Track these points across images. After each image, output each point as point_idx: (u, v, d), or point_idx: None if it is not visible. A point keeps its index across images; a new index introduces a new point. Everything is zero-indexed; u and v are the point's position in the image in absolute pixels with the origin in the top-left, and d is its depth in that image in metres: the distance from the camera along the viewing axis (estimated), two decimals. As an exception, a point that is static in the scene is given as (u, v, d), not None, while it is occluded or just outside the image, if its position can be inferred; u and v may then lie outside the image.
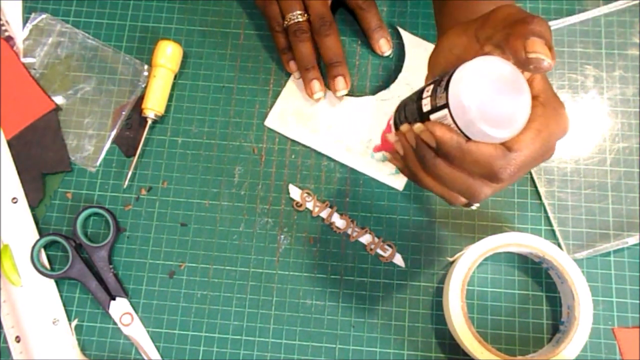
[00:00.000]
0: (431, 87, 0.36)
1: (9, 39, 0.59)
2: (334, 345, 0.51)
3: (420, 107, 0.37)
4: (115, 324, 0.52)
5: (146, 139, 0.56)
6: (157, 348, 0.51)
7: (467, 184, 0.36)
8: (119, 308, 0.52)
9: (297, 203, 0.54)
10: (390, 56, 0.58)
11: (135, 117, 0.57)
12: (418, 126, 0.36)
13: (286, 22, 0.55)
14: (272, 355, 0.51)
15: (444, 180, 0.37)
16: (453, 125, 0.34)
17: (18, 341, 0.51)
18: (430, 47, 0.58)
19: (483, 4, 0.42)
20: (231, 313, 0.52)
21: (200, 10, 0.60)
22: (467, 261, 0.49)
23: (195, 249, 0.54)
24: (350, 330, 0.51)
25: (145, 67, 0.58)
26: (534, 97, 0.35)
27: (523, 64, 0.32)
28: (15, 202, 0.54)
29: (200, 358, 0.51)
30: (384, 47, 0.57)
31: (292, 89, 0.57)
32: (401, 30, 0.58)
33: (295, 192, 0.55)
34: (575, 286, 0.48)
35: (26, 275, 0.52)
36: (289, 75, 0.57)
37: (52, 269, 0.53)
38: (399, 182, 0.54)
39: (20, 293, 0.52)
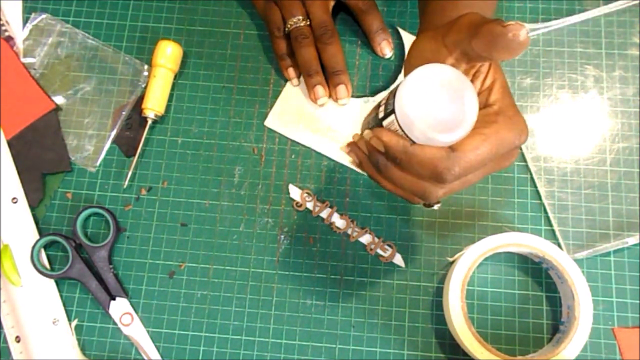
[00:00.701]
0: (389, 95, 0.38)
1: (9, 39, 0.59)
2: (334, 345, 0.51)
3: (377, 115, 0.39)
4: (115, 324, 0.52)
5: (146, 139, 0.56)
6: (157, 348, 0.51)
7: (417, 186, 0.38)
8: (119, 308, 0.52)
9: (297, 203, 0.54)
10: (391, 57, 0.58)
11: (135, 117, 0.57)
12: (367, 133, 0.39)
13: (288, 27, 0.55)
14: (272, 355, 0.51)
15: (397, 183, 0.39)
16: (400, 131, 0.36)
17: (18, 341, 0.51)
18: None
19: (458, 8, 0.43)
20: (231, 313, 0.52)
21: (200, 10, 0.60)
22: (467, 261, 0.49)
23: (195, 249, 0.54)
24: (350, 330, 0.51)
25: (145, 67, 0.58)
26: (489, 105, 0.37)
27: (493, 46, 0.33)
28: (15, 202, 0.54)
29: (200, 358, 0.51)
30: (386, 49, 0.57)
31: (292, 89, 0.57)
32: (401, 31, 0.58)
33: (295, 192, 0.55)
34: (575, 286, 0.48)
35: (26, 275, 0.52)
36: (287, 80, 0.57)
37: (52, 269, 0.53)
38: None
39: (20, 293, 0.52)
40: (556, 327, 0.51)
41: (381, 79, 0.58)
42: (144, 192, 0.55)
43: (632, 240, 0.52)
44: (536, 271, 0.52)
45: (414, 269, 0.53)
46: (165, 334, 0.52)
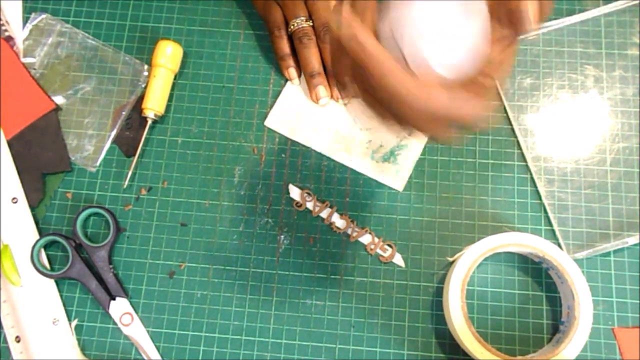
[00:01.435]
0: None
1: (9, 39, 0.59)
2: (334, 345, 0.51)
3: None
4: (115, 324, 0.52)
5: (146, 139, 0.56)
6: (157, 348, 0.51)
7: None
8: (119, 308, 0.52)
9: (297, 203, 0.54)
10: None
11: (135, 117, 0.57)
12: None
13: (291, 28, 0.55)
14: (272, 355, 0.51)
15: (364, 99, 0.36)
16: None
17: (18, 341, 0.51)
18: None
19: None
20: (231, 313, 0.52)
21: (200, 10, 0.60)
22: (467, 261, 0.49)
23: (195, 249, 0.54)
24: (350, 330, 0.51)
25: (145, 67, 0.58)
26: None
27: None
28: (15, 202, 0.54)
29: (200, 358, 0.51)
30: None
31: (292, 89, 0.57)
32: None
33: (295, 192, 0.55)
34: (575, 286, 0.48)
35: (26, 275, 0.52)
36: (287, 80, 0.57)
37: (52, 269, 0.53)
38: (398, 182, 0.54)
39: (20, 293, 0.52)
40: (556, 327, 0.51)
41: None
42: (144, 192, 0.55)
43: (632, 240, 0.52)
44: (536, 271, 0.52)
45: (414, 269, 0.53)
46: (165, 334, 0.52)
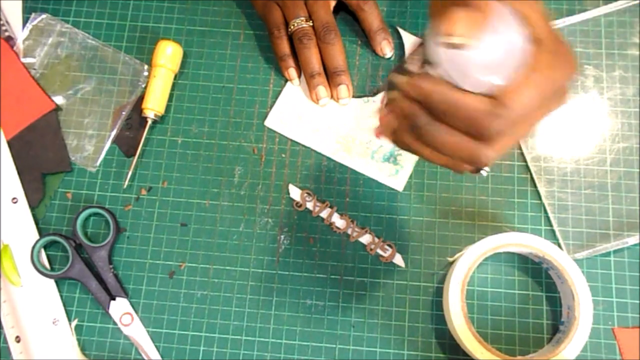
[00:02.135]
0: (416, 49, 0.35)
1: (9, 39, 0.59)
2: (334, 345, 0.51)
3: (406, 70, 0.35)
4: (115, 324, 0.52)
5: (146, 139, 0.56)
6: (157, 348, 0.51)
7: (464, 145, 0.33)
8: (119, 308, 0.52)
9: (297, 203, 0.54)
10: (391, 57, 0.58)
11: (135, 117, 0.57)
12: (402, 79, 0.34)
13: (291, 28, 0.55)
14: (272, 355, 0.51)
15: (441, 147, 0.34)
16: (439, 78, 0.32)
17: (18, 341, 0.51)
18: None
19: None
20: (231, 313, 0.52)
21: (200, 10, 0.60)
22: (467, 261, 0.49)
23: (195, 249, 0.54)
24: (350, 330, 0.51)
25: (145, 67, 0.58)
26: (534, 41, 0.32)
27: None
28: (15, 202, 0.54)
29: (200, 358, 0.51)
30: (386, 49, 0.57)
31: (292, 89, 0.57)
32: (401, 31, 0.58)
33: (295, 192, 0.55)
34: (575, 286, 0.48)
35: (26, 275, 0.52)
36: (287, 80, 0.57)
37: (52, 269, 0.53)
38: (398, 182, 0.54)
39: (20, 293, 0.52)
40: (556, 327, 0.51)
41: (381, 79, 0.58)
42: (144, 192, 0.55)
43: (632, 240, 0.52)
44: (536, 271, 0.52)
45: (414, 269, 0.53)
46: (165, 334, 0.52)
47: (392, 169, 0.55)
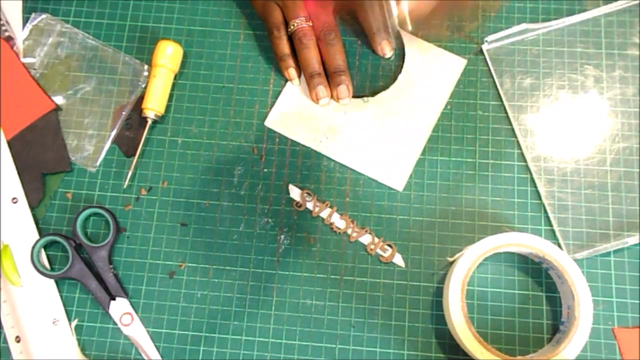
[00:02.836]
0: None
1: (9, 39, 0.59)
2: (334, 345, 0.51)
3: None
4: (115, 324, 0.52)
5: (146, 139, 0.56)
6: (157, 348, 0.51)
7: None
8: (119, 308, 0.52)
9: (297, 203, 0.54)
10: (391, 57, 0.58)
11: (135, 117, 0.57)
12: None
13: (291, 28, 0.55)
14: (272, 355, 0.51)
15: None
16: None
17: (18, 341, 0.51)
18: (430, 47, 0.58)
19: None
20: (231, 313, 0.52)
21: (200, 10, 0.60)
22: (467, 261, 0.49)
23: (195, 249, 0.54)
24: (350, 330, 0.51)
25: (145, 67, 0.58)
26: None
27: None
28: (15, 202, 0.54)
29: (200, 358, 0.51)
30: (386, 49, 0.57)
31: (292, 89, 0.57)
32: (401, 31, 0.58)
33: (295, 192, 0.55)
34: (575, 286, 0.48)
35: (26, 275, 0.52)
36: (287, 80, 0.57)
37: (52, 269, 0.53)
38: (398, 182, 0.54)
39: (20, 293, 0.52)
40: (556, 327, 0.51)
41: (381, 79, 0.58)
42: (144, 192, 0.55)
43: (632, 240, 0.52)
44: (536, 271, 0.52)
45: (414, 269, 0.53)
46: (165, 334, 0.52)
47: (392, 169, 0.55)
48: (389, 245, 0.53)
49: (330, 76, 0.56)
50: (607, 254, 0.52)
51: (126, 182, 0.55)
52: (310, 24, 0.55)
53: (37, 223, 0.54)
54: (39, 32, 0.59)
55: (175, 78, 0.58)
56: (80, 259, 0.52)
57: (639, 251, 0.52)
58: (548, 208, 0.53)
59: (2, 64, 0.58)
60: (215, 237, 0.54)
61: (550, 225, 0.53)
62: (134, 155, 0.55)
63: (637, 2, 0.58)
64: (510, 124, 0.56)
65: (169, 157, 0.56)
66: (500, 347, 0.51)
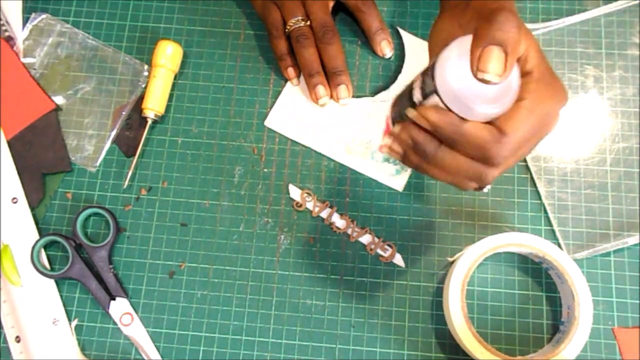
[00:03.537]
0: (420, 78, 0.37)
1: (9, 39, 0.59)
2: (334, 345, 0.51)
3: (411, 100, 0.38)
4: (115, 324, 0.52)
5: (146, 139, 0.56)
6: (157, 348, 0.51)
7: (472, 169, 0.37)
8: (119, 308, 0.52)
9: (297, 203, 0.54)
10: (391, 57, 0.58)
11: (135, 117, 0.57)
12: (410, 111, 0.37)
13: (288, 28, 0.55)
14: (272, 355, 0.51)
15: (449, 169, 0.38)
16: (445, 110, 0.35)
17: (18, 341, 0.51)
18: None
19: None
20: (231, 313, 0.52)
21: (200, 10, 0.60)
22: (467, 261, 0.49)
23: (195, 249, 0.54)
24: (350, 330, 0.51)
25: (145, 67, 0.58)
26: (528, 73, 0.36)
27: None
28: (15, 202, 0.54)
29: (200, 358, 0.51)
30: (386, 49, 0.57)
31: (292, 89, 0.57)
32: (401, 31, 0.58)
33: (295, 192, 0.55)
34: (575, 286, 0.48)
35: (26, 275, 0.52)
36: (287, 80, 0.57)
37: (52, 269, 0.53)
38: (398, 182, 0.54)
39: (20, 293, 0.52)
40: (556, 327, 0.51)
41: (381, 79, 0.58)
42: (144, 192, 0.55)
43: (632, 240, 0.52)
44: (536, 271, 0.52)
45: (414, 269, 0.53)
46: (165, 334, 0.52)
47: (392, 169, 0.55)
48: (389, 245, 0.53)
49: (329, 76, 0.56)
50: (607, 254, 0.52)
51: (126, 182, 0.55)
52: (308, 23, 0.55)
53: (37, 223, 0.54)
54: (39, 32, 0.59)
55: (175, 78, 0.58)
56: (80, 259, 0.52)
57: (639, 251, 0.52)
58: (548, 208, 0.53)
59: (2, 64, 0.58)
60: (215, 237, 0.54)
61: (550, 225, 0.53)
62: (134, 155, 0.55)
63: (637, 2, 0.58)
64: (510, 124, 0.56)
65: (169, 157, 0.56)
66: (500, 347, 0.51)
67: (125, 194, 0.55)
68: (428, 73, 0.36)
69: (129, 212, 0.55)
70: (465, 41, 0.34)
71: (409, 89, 0.39)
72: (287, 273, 0.53)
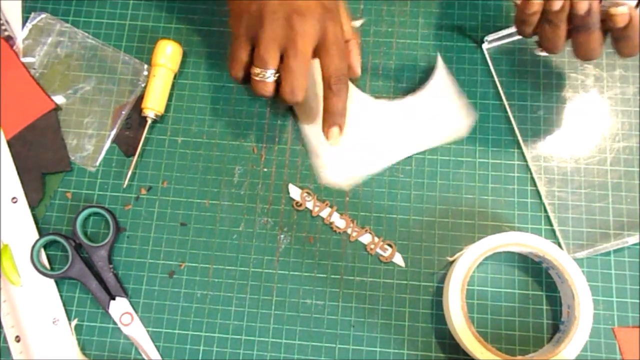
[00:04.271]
0: None
1: (9, 38, 0.59)
2: (334, 345, 0.51)
3: None
4: (115, 323, 0.52)
5: (146, 138, 0.56)
6: (157, 348, 0.51)
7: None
8: (119, 308, 0.52)
9: (297, 203, 0.54)
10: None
11: (135, 117, 0.57)
12: None
13: (254, 73, 0.49)
14: (272, 355, 0.51)
15: (555, 37, 0.49)
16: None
17: (18, 341, 0.51)
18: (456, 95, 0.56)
19: None
20: (231, 313, 0.52)
21: (200, 10, 0.60)
22: (467, 261, 0.49)
23: (195, 249, 0.54)
24: (350, 330, 0.51)
25: (145, 66, 0.58)
26: None
27: None
28: (15, 202, 0.54)
29: (200, 358, 0.51)
30: (333, 136, 0.51)
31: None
32: (439, 59, 0.56)
33: (295, 192, 0.55)
34: (575, 286, 0.48)
35: (26, 275, 0.52)
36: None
37: (52, 269, 0.53)
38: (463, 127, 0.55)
39: (20, 293, 0.52)
40: (556, 327, 0.51)
41: (381, 78, 0.58)
42: (143, 191, 0.55)
43: (632, 240, 0.52)
44: (536, 271, 0.52)
45: (414, 269, 0.53)
46: (165, 334, 0.52)
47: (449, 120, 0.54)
48: (389, 245, 0.53)
49: (324, 117, 0.50)
50: (607, 254, 0.52)
51: (126, 182, 0.55)
52: (276, 77, 0.49)
53: (37, 223, 0.54)
54: (39, 31, 0.59)
55: (175, 78, 0.58)
56: (80, 259, 0.52)
57: (639, 251, 0.52)
58: (548, 207, 0.53)
59: (2, 63, 0.58)
60: (215, 237, 0.54)
61: (550, 224, 0.53)
62: (133, 154, 0.55)
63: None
64: (510, 124, 0.56)
65: (169, 157, 0.56)
66: (500, 346, 0.51)
67: (125, 193, 0.55)
68: None
69: (128, 212, 0.55)
70: None
71: None
72: (287, 272, 0.53)
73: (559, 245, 0.52)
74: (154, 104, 0.55)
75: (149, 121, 0.56)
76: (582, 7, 0.45)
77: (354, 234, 0.53)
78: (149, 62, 0.57)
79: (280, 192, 0.55)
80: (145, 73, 0.58)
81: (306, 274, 0.53)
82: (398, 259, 0.53)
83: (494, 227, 0.53)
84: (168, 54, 0.56)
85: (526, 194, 0.54)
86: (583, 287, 0.48)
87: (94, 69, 0.58)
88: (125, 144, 0.57)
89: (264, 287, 0.53)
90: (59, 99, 0.58)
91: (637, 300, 0.51)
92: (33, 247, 0.52)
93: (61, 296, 0.53)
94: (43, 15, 0.60)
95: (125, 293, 0.52)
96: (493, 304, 0.52)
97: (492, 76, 0.57)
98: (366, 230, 0.53)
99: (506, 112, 0.56)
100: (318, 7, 0.48)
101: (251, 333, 0.52)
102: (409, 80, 0.57)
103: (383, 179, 0.55)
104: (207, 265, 0.53)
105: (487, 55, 0.57)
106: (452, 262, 0.52)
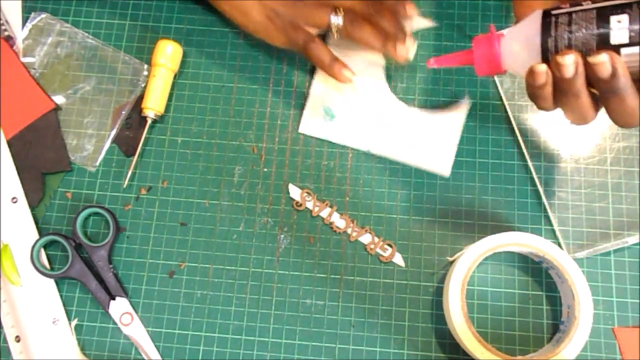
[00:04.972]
0: (624, 16, 0.33)
1: (9, 38, 0.59)
2: (334, 345, 0.51)
3: (603, 37, 0.34)
4: (115, 323, 0.52)
5: (146, 138, 0.56)
6: (157, 348, 0.51)
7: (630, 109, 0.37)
8: (119, 308, 0.52)
9: (297, 203, 0.54)
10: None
11: (135, 117, 0.57)
12: (602, 57, 0.34)
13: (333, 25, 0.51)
14: (272, 355, 0.51)
15: (579, 108, 0.40)
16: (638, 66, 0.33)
17: (18, 341, 0.51)
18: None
19: None
20: (231, 313, 0.52)
21: (200, 10, 0.60)
22: (467, 261, 0.49)
23: (195, 249, 0.54)
24: (350, 330, 0.51)
25: (145, 66, 0.58)
26: None
27: None
28: (15, 202, 0.54)
29: (200, 358, 0.51)
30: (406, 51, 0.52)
31: (319, 88, 0.56)
32: (465, 104, 0.56)
33: (295, 192, 0.55)
34: (575, 286, 0.48)
35: (26, 275, 0.52)
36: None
37: (52, 269, 0.53)
38: (444, 166, 0.54)
39: (20, 293, 0.52)
40: (556, 327, 0.51)
41: (407, 80, 0.58)
42: (143, 191, 0.55)
43: (632, 240, 0.52)
44: (536, 271, 0.52)
45: (414, 269, 0.53)
46: (165, 334, 0.52)
47: (436, 153, 0.54)
48: (389, 245, 0.53)
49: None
50: (607, 254, 0.52)
51: (126, 182, 0.55)
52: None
53: (37, 223, 0.54)
54: (39, 31, 0.59)
55: (175, 78, 0.58)
56: (80, 259, 0.52)
57: (639, 250, 0.52)
58: (548, 208, 0.53)
59: (2, 63, 0.58)
60: (215, 237, 0.54)
61: (550, 224, 0.53)
62: (133, 154, 0.55)
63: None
64: (510, 124, 0.56)
65: (169, 157, 0.56)
66: (500, 346, 0.51)
67: (125, 193, 0.55)
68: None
69: (128, 212, 0.55)
70: None
71: (597, 23, 0.34)
72: (286, 272, 0.53)
73: (559, 245, 0.52)
74: (154, 104, 0.55)
75: (149, 121, 0.56)
76: (603, 71, 0.35)
77: (354, 234, 0.53)
78: (149, 62, 0.57)
79: (280, 192, 0.55)
80: (145, 73, 0.58)
81: (306, 274, 0.53)
82: (398, 259, 0.53)
83: (494, 227, 0.53)
84: (168, 54, 0.56)
85: (526, 194, 0.54)
86: (583, 287, 0.48)
87: (94, 69, 0.58)
88: (125, 144, 0.57)
89: (264, 287, 0.53)
90: (59, 99, 0.58)
91: (637, 300, 0.51)
92: (33, 247, 0.52)
93: (61, 296, 0.53)
94: (43, 15, 0.60)
95: (125, 293, 0.52)
96: (493, 304, 0.52)
97: (492, 76, 0.57)
98: (366, 230, 0.53)
99: (506, 112, 0.56)
100: None
101: (251, 333, 0.52)
102: (409, 80, 0.58)
103: (383, 179, 0.55)
104: (207, 265, 0.53)
105: (487, 55, 0.57)
106: (452, 262, 0.52)
